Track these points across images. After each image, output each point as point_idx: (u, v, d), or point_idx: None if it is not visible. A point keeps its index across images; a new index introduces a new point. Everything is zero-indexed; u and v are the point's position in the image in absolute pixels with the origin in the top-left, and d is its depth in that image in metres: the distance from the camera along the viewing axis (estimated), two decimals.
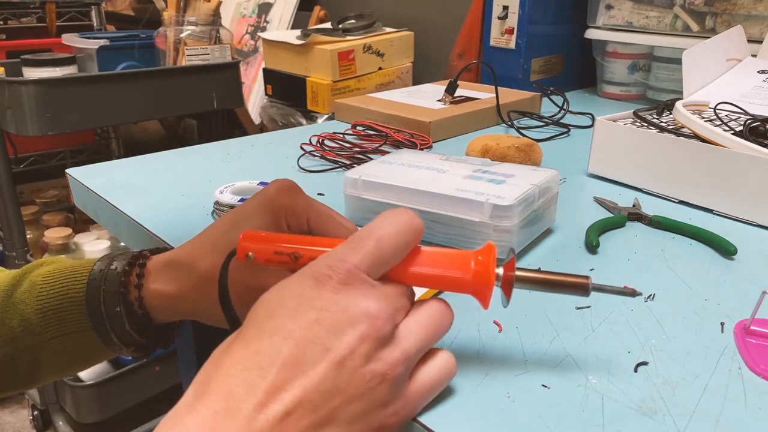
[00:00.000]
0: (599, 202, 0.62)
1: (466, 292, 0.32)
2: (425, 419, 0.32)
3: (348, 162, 0.74)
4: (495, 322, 0.40)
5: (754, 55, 0.83)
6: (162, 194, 0.65)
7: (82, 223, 1.67)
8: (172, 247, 0.43)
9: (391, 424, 0.30)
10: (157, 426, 0.26)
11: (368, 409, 0.28)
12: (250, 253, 0.33)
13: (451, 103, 0.94)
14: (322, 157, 0.76)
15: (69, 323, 0.39)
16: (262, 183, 0.63)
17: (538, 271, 0.34)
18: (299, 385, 0.27)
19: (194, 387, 0.28)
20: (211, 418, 0.26)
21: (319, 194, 0.64)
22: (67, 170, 0.71)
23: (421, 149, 0.79)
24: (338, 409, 0.27)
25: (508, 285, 0.33)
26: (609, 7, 1.09)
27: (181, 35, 1.25)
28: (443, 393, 0.33)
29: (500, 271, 0.32)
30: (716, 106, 0.69)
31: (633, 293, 0.34)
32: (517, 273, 0.33)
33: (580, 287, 0.33)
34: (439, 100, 0.96)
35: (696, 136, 0.62)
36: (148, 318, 0.40)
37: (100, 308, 0.39)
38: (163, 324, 0.42)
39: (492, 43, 1.15)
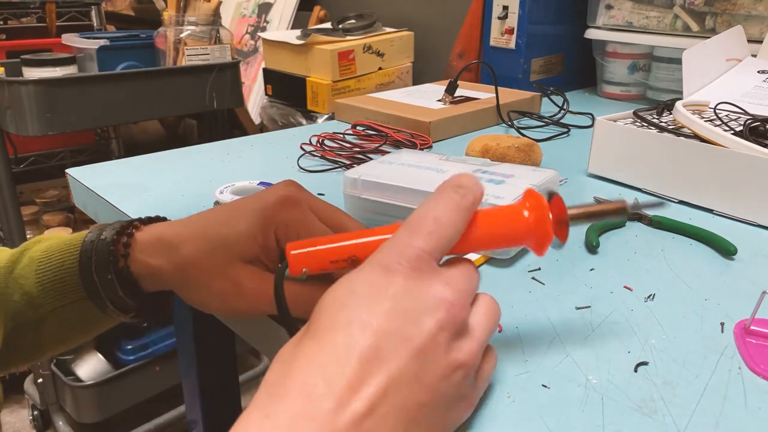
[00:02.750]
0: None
1: (525, 245, 0.33)
2: None
3: (348, 162, 0.74)
4: None
5: (754, 55, 0.83)
6: (162, 194, 0.64)
7: (82, 223, 1.67)
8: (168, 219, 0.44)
9: (463, 415, 0.30)
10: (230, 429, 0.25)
11: (451, 401, 0.28)
12: (304, 269, 0.33)
13: (451, 103, 0.94)
14: (322, 157, 0.76)
15: (67, 294, 0.41)
16: (262, 183, 0.63)
17: (582, 206, 0.34)
18: (380, 379, 0.25)
19: (267, 388, 0.26)
20: (290, 421, 0.24)
21: (319, 194, 0.64)
22: (67, 170, 0.71)
23: (421, 149, 0.79)
24: (422, 402, 0.26)
25: (564, 226, 0.33)
26: (609, 7, 1.09)
27: (181, 35, 1.25)
28: None
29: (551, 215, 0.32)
30: (716, 106, 0.69)
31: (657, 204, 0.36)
32: (570, 212, 0.33)
33: (621, 210, 0.34)
34: (439, 100, 0.96)
35: (696, 136, 0.62)
36: (137, 285, 0.41)
37: (93, 277, 0.40)
38: (156, 292, 0.42)
39: (492, 43, 1.15)
